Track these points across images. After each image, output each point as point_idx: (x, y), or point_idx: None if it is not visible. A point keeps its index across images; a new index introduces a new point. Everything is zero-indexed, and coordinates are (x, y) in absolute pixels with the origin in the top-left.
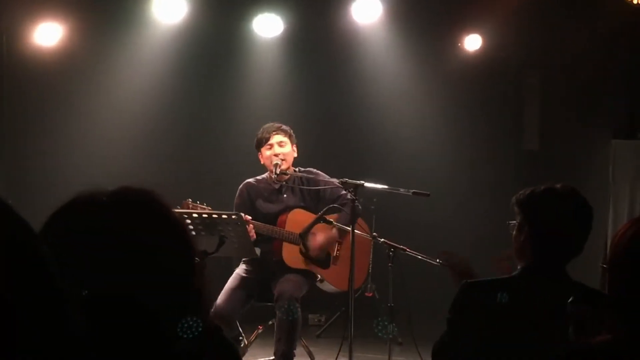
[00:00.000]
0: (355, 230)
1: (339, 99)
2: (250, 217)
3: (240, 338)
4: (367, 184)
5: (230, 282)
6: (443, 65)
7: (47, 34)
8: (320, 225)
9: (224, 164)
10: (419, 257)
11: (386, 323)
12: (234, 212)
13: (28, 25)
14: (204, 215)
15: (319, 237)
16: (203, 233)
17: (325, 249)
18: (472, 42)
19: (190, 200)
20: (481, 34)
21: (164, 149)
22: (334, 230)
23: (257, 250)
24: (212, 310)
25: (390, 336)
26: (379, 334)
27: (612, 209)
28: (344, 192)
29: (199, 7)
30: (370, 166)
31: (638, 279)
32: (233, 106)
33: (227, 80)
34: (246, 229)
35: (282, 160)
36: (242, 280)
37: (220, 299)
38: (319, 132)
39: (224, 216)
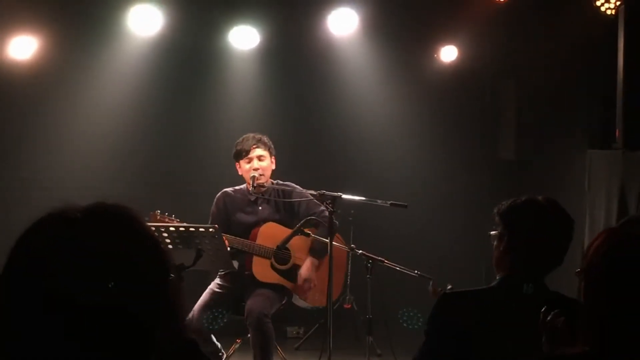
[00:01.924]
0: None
1: (316, 110)
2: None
3: (220, 354)
4: (344, 196)
5: (204, 297)
6: (419, 76)
7: (21, 47)
8: (298, 238)
9: (200, 175)
10: (397, 268)
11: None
12: (210, 225)
13: (1, 39)
14: (181, 229)
15: (304, 272)
16: (180, 246)
17: (310, 280)
18: (448, 53)
19: (158, 211)
20: (457, 45)
21: (140, 161)
22: (308, 262)
23: (235, 263)
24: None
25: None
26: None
27: (588, 219)
28: (321, 207)
29: (175, 20)
30: (347, 177)
31: (614, 292)
32: (209, 119)
33: (203, 93)
34: (223, 241)
35: (261, 174)
36: (215, 295)
37: (193, 313)
38: (296, 144)
39: (200, 229)
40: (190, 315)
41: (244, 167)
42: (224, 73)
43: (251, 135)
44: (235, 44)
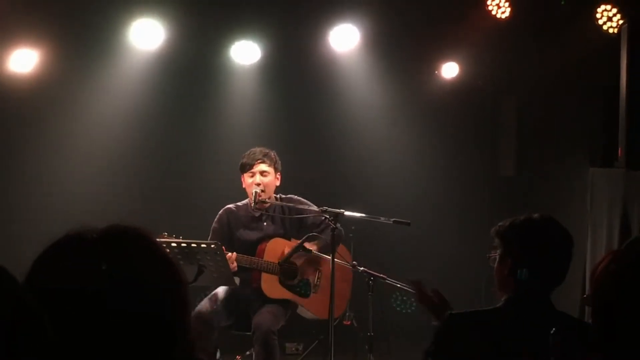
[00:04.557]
0: (336, 260)
1: (317, 126)
2: (232, 253)
3: None
4: (347, 213)
5: (219, 292)
6: (420, 92)
7: (22, 61)
8: (300, 253)
9: (202, 190)
10: (398, 285)
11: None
12: (212, 242)
13: (3, 52)
14: (183, 245)
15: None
16: (182, 262)
17: (307, 267)
18: (449, 70)
19: (166, 233)
20: (458, 61)
21: (141, 177)
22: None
23: (237, 280)
24: (196, 313)
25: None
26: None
27: (590, 237)
28: (323, 217)
29: (176, 34)
30: (348, 193)
31: (625, 316)
32: (211, 134)
33: (204, 108)
34: (225, 258)
35: (262, 190)
36: (231, 294)
37: (205, 304)
38: (297, 159)
39: (202, 245)
40: (200, 305)
41: (247, 181)
42: (225, 88)
43: (258, 149)
44: (236, 59)
